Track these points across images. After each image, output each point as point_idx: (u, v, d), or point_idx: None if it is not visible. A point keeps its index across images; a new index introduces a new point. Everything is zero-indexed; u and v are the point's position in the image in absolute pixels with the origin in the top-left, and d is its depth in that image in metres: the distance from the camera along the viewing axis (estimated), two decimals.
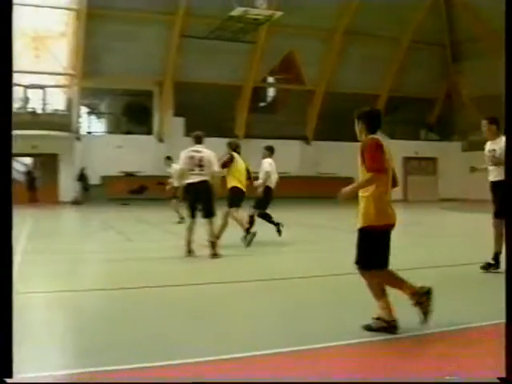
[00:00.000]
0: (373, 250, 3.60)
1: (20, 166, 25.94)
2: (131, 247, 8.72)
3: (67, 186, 25.22)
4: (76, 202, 24.22)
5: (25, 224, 12.44)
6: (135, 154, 26.16)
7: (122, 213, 18.36)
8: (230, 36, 23.69)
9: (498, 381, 2.46)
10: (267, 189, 8.94)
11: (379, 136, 3.66)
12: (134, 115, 28.46)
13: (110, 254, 7.90)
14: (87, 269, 6.93)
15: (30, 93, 26.68)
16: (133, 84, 26.52)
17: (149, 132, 28.00)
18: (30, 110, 25.93)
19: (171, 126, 26.31)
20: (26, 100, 26.45)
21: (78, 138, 25.83)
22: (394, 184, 3.76)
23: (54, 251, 8.27)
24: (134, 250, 8.29)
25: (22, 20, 26.93)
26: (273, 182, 9.03)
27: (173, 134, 25.47)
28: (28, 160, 26.56)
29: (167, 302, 4.55)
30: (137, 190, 25.25)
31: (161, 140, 26.84)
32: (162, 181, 15.12)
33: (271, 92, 32.18)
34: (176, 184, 11.33)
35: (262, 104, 31.69)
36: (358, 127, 3.68)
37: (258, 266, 6.77)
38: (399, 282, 3.66)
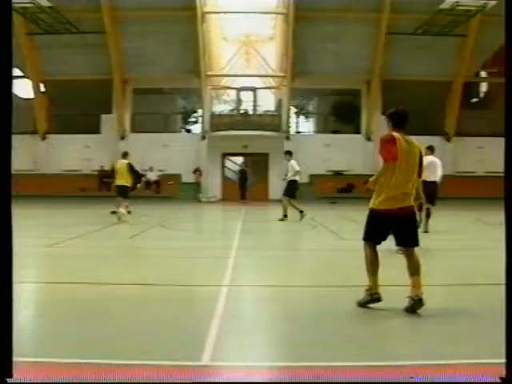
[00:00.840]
0: (367, 225, 4.73)
1: (233, 165, 30.98)
2: (345, 245, 9.55)
3: (277, 184, 29.17)
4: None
5: (238, 221, 15.75)
6: (343, 153, 29.31)
7: (330, 211, 20.79)
8: (438, 30, 24.91)
9: (499, 381, 2.57)
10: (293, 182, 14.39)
11: (399, 133, 4.68)
12: (341, 114, 31.53)
13: (324, 252, 8.89)
14: (306, 265, 7.89)
15: (242, 95, 31.70)
16: (341, 83, 29.66)
17: (357, 131, 30.79)
18: (242, 111, 30.94)
19: (379, 125, 28.94)
20: (239, 102, 31.49)
21: (288, 138, 29.75)
22: (420, 175, 4.74)
23: (262, 247, 9.52)
24: (348, 248, 8.84)
25: (234, 27, 32.61)
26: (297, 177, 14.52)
27: (381, 133, 28.12)
28: (240, 159, 31.73)
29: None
30: (345, 189, 27.78)
31: (369, 139, 29.57)
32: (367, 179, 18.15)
33: (484, 87, 32.69)
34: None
35: (474, 100, 32.29)
36: (387, 125, 4.75)
37: None
38: (371, 268, 4.65)
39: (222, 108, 33.69)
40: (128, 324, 4.36)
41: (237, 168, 29.90)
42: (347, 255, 8.39)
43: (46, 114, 30.66)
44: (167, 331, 4.15)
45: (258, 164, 31.09)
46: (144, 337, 4.01)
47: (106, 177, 28.90)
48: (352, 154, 29.16)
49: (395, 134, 4.67)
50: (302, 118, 35.73)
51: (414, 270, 4.64)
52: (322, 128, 33.09)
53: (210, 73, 30.23)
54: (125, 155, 15.05)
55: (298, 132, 33.70)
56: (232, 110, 32.16)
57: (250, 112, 30.87)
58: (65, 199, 25.29)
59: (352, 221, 14.79)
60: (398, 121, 4.76)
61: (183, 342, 3.84)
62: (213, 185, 29.84)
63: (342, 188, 28.31)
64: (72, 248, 9.35)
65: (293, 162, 14.97)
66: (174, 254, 8.70)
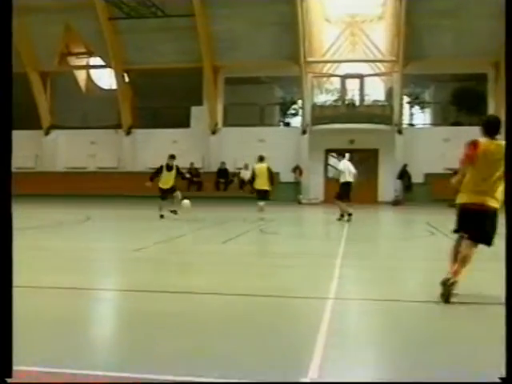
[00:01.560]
0: (456, 218, 6.12)
1: (337, 162, 31.11)
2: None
3: (387, 184, 29.20)
4: (396, 203, 27.65)
5: (342, 225, 15.86)
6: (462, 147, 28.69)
7: (449, 215, 21.07)
8: None
9: (499, 381, 2.79)
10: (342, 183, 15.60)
11: (486, 139, 5.74)
12: (463, 103, 30.75)
13: (443, 263, 9.17)
14: (422, 277, 7.86)
15: (348, 83, 31.39)
16: (462, 67, 28.81)
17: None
18: (347, 101, 30.72)
19: None
20: (344, 91, 31.24)
21: (400, 131, 29.47)
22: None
23: (369, 255, 9.62)
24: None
25: (337, 6, 32.41)
26: (346, 178, 15.66)
27: None
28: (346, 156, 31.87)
29: None
30: None
31: None
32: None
33: None
34: None
35: None
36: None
37: None
38: (453, 257, 6.03)
39: (324, 98, 33.59)
40: (225, 339, 4.40)
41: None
42: (471, 267, 8.15)
43: (131, 106, 31.90)
44: (268, 347, 4.16)
45: (365, 161, 30.92)
46: (244, 352, 4.03)
47: (196, 175, 29.76)
48: None
49: (480, 139, 5.81)
50: (416, 108, 35.24)
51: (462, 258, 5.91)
52: (439, 120, 32.46)
53: (310, 59, 30.28)
54: (262, 159, 17.15)
55: (412, 125, 33.28)
56: (336, 101, 32.09)
57: (357, 102, 30.80)
58: (151, 199, 26.14)
59: None
60: (488, 128, 5.82)
61: (287, 358, 3.87)
62: (314, 185, 29.90)
63: None
64: (162, 253, 9.64)
65: (344, 163, 16.12)
66: (274, 262, 8.82)
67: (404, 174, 28.71)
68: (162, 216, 16.24)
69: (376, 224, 19.08)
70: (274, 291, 6.26)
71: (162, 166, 16.99)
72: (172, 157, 17.24)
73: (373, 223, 19.09)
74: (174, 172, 17.03)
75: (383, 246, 11.59)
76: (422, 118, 34.79)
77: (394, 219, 21.72)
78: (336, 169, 15.60)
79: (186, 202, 16.02)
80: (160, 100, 31.27)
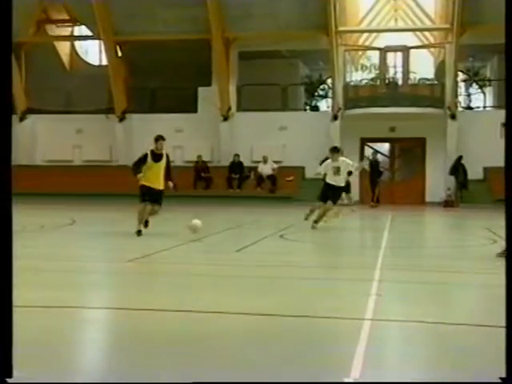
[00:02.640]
0: None
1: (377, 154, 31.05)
2: None
3: (437, 181, 29.07)
4: (448, 204, 27.62)
5: (381, 231, 16.11)
6: None
7: None
8: None
9: (499, 381, 3.23)
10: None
11: None
12: None
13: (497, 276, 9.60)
14: (479, 294, 7.99)
15: (388, 58, 31.19)
16: None
17: None
18: (388, 80, 30.62)
19: None
20: (384, 68, 31.03)
21: (453, 116, 29.23)
22: None
23: (413, 268, 9.76)
24: None
25: None
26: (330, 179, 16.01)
27: None
28: (385, 146, 31.52)
29: None
30: None
31: None
32: None
33: None
34: None
35: None
36: None
37: None
38: None
39: (360, 77, 33.55)
40: (236, 368, 4.44)
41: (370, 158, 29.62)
42: None
43: (125, 86, 31.88)
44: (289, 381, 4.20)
45: (409, 153, 30.78)
46: None
47: (204, 170, 29.87)
48: None
49: None
50: (474, 87, 34.98)
51: None
52: (503, 101, 31.76)
53: (342, 28, 30.27)
54: (337, 151, 16.59)
55: (469, 108, 33.15)
56: (374, 80, 32.00)
57: (400, 81, 30.73)
58: None
59: None
60: None
61: None
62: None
63: None
64: (161, 264, 9.73)
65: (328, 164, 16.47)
66: (297, 274, 8.88)
67: (458, 169, 28.50)
68: (139, 232, 13.35)
69: (423, 230, 19.07)
70: (298, 311, 6.31)
71: (146, 155, 13.73)
72: (160, 138, 13.79)
73: (419, 229, 19.07)
74: (163, 163, 13.82)
75: (431, 257, 11.62)
76: (481, 99, 34.46)
77: (446, 224, 21.70)
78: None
79: (197, 222, 13.01)
80: (160, 79, 31.37)
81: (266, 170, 28.80)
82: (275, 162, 29.27)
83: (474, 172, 28.57)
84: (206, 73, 31.33)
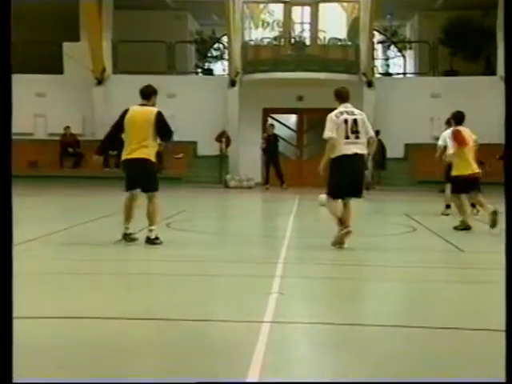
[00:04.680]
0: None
1: (283, 127, 31.11)
2: (463, 261, 10.44)
3: None
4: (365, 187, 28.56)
5: (287, 218, 16.41)
6: (465, 109, 28.75)
7: (436, 203, 21.71)
8: None
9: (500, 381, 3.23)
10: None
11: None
12: (461, 43, 31.19)
13: (422, 270, 9.67)
14: (392, 291, 8.31)
15: (294, 13, 31.76)
16: None
17: (489, 71, 30.83)
18: (294, 39, 31.12)
19: None
20: (288, 24, 31.48)
21: (369, 84, 29.88)
22: None
23: (322, 261, 10.45)
24: (466, 264, 10.67)
25: None
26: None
27: None
28: (292, 119, 31.86)
29: None
30: None
31: None
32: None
33: None
34: None
35: None
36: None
37: None
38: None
39: (261, 35, 33.47)
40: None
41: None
42: (464, 274, 8.83)
43: None
44: None
45: (319, 127, 30.99)
46: None
47: (71, 145, 29.35)
48: (481, 110, 28.80)
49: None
50: (392, 50, 35.55)
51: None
52: (426, 67, 32.98)
53: None
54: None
55: (387, 74, 33.83)
56: (278, 39, 32.26)
57: (307, 41, 31.27)
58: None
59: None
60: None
61: None
62: (247, 160, 30.01)
63: None
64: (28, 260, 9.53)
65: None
66: (187, 271, 8.92)
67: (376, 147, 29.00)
68: (128, 237, 11.13)
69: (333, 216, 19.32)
70: (188, 314, 6.33)
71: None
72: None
73: (329, 215, 19.21)
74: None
75: (342, 248, 11.53)
76: (401, 64, 35.18)
77: (360, 209, 21.37)
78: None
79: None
80: (15, 32, 30.52)
81: None
82: None
83: (393, 149, 29.29)
84: (72, 25, 30.68)
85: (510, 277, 2.78)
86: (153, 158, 11.13)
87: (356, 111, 11.34)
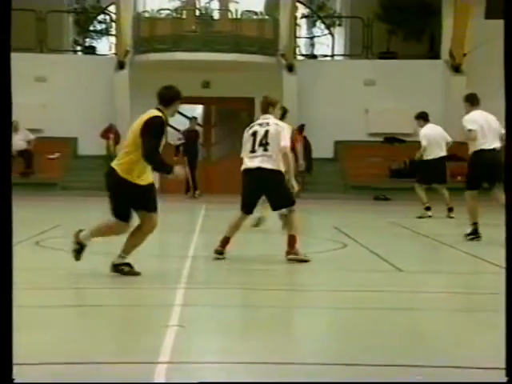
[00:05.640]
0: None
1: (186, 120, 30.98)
2: (400, 282, 10.74)
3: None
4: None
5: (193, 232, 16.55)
6: (403, 98, 29.81)
7: (377, 215, 21.63)
8: None
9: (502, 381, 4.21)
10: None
11: None
12: (401, 21, 31.79)
13: (352, 295, 9.62)
14: (313, 322, 8.33)
15: None
16: None
17: (432, 53, 31.81)
18: (199, 11, 31.25)
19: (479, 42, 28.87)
20: None
21: (291, 68, 29.97)
22: None
23: (232, 285, 11.17)
24: (404, 288, 10.43)
25: None
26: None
27: (484, 62, 27.97)
28: (198, 110, 31.77)
29: None
30: (406, 170, 27.84)
31: (457, 69, 30.06)
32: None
33: None
34: None
35: None
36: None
37: None
38: None
39: (158, 5, 33.29)
40: None
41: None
42: (404, 299, 9.06)
43: None
44: None
45: (230, 121, 31.04)
46: None
47: None
48: (422, 100, 29.20)
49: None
50: (319, 27, 36.08)
51: None
52: (359, 48, 33.20)
53: None
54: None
55: (313, 56, 34.30)
56: (179, 11, 32.18)
57: (216, 15, 31.52)
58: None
59: (430, 239, 15.32)
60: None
61: None
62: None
63: (398, 169, 28.83)
64: None
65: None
66: (59, 301, 8.88)
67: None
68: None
69: (247, 231, 19.26)
70: (67, 355, 6.24)
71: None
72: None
73: (241, 229, 19.25)
74: None
75: (257, 270, 11.70)
76: (329, 44, 35.44)
77: (279, 222, 22.07)
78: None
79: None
80: None
81: (16, 142, 28.16)
82: (31, 130, 28.60)
83: (321, 148, 29.48)
84: None
85: (510, 277, 3.23)
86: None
87: (271, 122, 11.90)
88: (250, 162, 11.69)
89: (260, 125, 11.83)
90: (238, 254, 12.05)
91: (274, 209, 12.31)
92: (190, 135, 27.72)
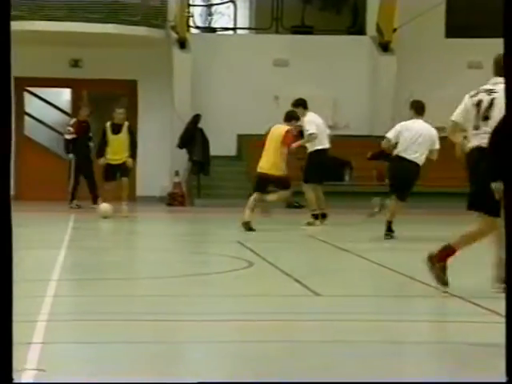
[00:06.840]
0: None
1: (49, 111, 31.29)
2: (315, 306, 11.04)
3: (156, 158, 29.94)
4: (175, 199, 28.53)
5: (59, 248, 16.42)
6: (321, 82, 30.26)
7: (290, 225, 22.34)
8: None
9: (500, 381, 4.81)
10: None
11: None
12: None
13: (267, 324, 9.97)
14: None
15: None
16: None
17: (355, 28, 32.63)
18: None
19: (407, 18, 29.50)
20: None
21: (183, 44, 30.08)
22: None
23: (107, 317, 11.05)
24: (321, 315, 10.55)
25: None
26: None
27: (416, 39, 28.62)
28: (66, 97, 31.75)
29: None
30: (330, 170, 27.89)
31: (385, 48, 30.56)
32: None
33: None
34: None
35: None
36: None
37: None
38: None
39: None
40: None
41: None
42: (325, 328, 9.12)
43: None
44: None
45: (108, 108, 30.96)
46: None
47: None
48: (344, 83, 29.45)
49: None
50: None
51: None
52: (267, 20, 33.53)
53: None
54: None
55: (210, 29, 34.91)
56: None
57: None
58: None
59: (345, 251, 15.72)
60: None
61: None
62: None
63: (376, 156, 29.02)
64: None
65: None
66: None
67: (194, 138, 29.08)
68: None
69: (121, 246, 19.50)
70: None
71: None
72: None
73: (115, 245, 19.59)
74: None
75: (143, 296, 11.92)
76: (230, 14, 35.91)
77: (171, 235, 22.09)
78: None
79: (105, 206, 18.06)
80: None
81: None
82: None
83: (221, 143, 29.81)
84: None
85: (510, 276, 3.73)
86: None
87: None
88: None
89: None
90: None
91: None
92: (81, 126, 27.32)
